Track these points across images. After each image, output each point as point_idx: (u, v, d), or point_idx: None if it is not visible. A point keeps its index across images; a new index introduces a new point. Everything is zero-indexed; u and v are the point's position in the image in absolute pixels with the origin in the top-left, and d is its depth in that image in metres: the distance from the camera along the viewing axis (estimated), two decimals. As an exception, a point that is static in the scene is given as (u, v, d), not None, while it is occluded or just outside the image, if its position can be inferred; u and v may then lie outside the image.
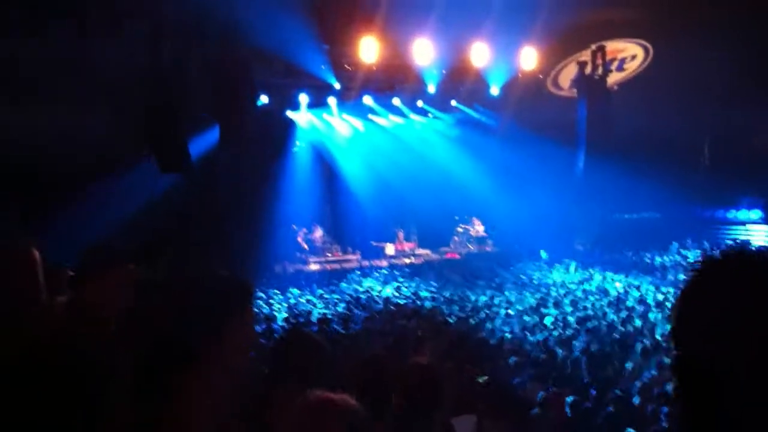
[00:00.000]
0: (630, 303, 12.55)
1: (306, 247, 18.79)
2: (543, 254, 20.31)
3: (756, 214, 21.40)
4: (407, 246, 20.63)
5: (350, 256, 19.43)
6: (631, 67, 20.61)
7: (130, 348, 1.75)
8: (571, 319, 11.16)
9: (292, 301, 14.15)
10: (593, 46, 19.71)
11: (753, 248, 1.14)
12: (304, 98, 17.91)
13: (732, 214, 21.98)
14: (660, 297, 13.14)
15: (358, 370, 3.09)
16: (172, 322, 1.67)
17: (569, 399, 6.41)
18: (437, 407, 2.84)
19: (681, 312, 1.15)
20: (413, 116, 20.75)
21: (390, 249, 20.09)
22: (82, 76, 11.79)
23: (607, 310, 12.03)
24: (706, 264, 1.15)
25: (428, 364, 2.93)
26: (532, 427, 5.93)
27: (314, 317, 11.45)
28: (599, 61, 19.69)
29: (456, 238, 21.62)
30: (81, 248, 3.17)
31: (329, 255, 19.09)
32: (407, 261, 19.61)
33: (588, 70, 19.83)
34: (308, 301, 14.01)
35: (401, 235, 20.60)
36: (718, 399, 1.06)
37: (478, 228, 21.71)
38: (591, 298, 13.51)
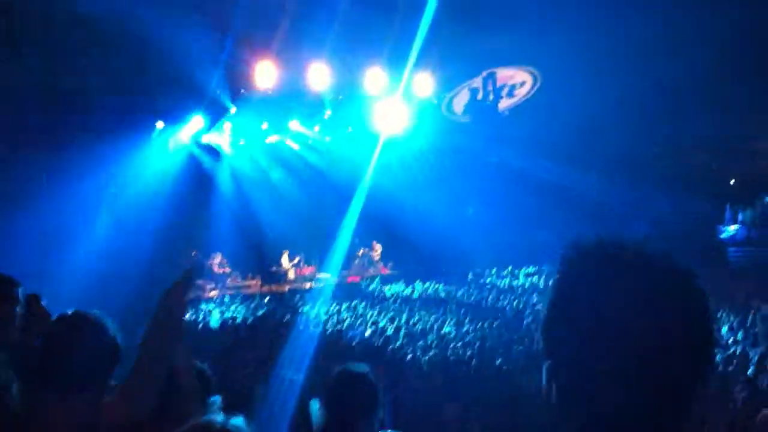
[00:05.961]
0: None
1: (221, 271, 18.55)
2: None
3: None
4: (307, 270, 20.53)
5: (250, 282, 19.14)
6: (521, 93, 21.54)
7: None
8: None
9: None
10: (484, 73, 20.53)
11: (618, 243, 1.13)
12: (200, 121, 17.62)
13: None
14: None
15: None
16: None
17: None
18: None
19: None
20: (311, 140, 20.80)
21: (291, 274, 19.94)
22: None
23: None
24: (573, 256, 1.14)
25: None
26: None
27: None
28: (490, 88, 20.51)
29: (357, 261, 21.71)
30: None
31: (228, 281, 18.75)
32: (308, 285, 19.49)
33: (479, 95, 20.62)
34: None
35: (301, 259, 20.51)
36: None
37: (378, 251, 21.91)
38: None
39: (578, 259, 1.11)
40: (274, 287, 18.91)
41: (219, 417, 1.71)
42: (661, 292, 1.04)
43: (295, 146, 20.78)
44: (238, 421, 1.68)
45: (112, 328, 2.42)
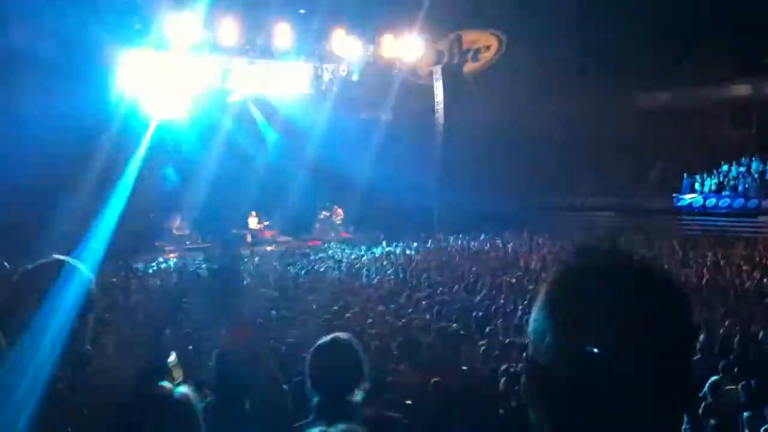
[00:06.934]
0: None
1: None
2: None
3: (600, 200, 22.24)
4: (268, 234, 20.33)
5: (210, 245, 18.87)
6: (486, 56, 21.39)
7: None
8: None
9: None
10: (450, 36, 20.31)
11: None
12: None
13: (580, 201, 22.65)
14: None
15: None
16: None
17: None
18: None
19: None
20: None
21: (248, 238, 19.71)
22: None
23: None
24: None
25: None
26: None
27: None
28: (455, 50, 20.31)
29: (318, 225, 21.56)
30: None
31: (188, 243, 18.49)
32: (269, 249, 19.31)
33: (445, 58, 20.41)
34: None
35: (263, 223, 20.29)
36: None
37: (340, 215, 21.78)
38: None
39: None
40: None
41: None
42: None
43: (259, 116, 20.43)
44: (182, 388, 1.57)
45: None
